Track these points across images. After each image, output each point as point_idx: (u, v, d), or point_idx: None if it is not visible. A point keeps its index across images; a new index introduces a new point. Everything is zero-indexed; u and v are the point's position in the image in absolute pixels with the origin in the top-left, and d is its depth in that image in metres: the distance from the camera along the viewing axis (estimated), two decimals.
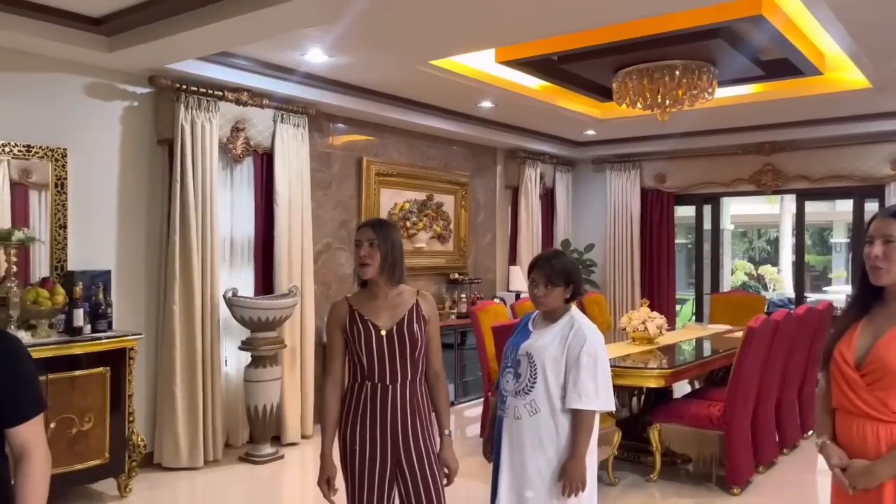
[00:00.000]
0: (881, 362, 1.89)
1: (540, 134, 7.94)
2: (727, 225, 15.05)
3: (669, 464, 4.82)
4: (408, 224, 6.91)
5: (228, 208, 5.29)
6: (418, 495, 2.46)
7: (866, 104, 6.28)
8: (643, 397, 5.22)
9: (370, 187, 6.45)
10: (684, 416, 4.58)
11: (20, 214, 4.27)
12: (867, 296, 2.00)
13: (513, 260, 8.15)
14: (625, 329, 5.35)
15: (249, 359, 5.03)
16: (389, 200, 6.72)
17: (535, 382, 2.57)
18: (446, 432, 2.55)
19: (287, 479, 4.96)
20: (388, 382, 2.44)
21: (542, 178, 8.40)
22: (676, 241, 15.54)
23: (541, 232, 8.37)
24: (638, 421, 5.10)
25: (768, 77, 5.80)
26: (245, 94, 5.11)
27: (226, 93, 4.99)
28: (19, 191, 4.28)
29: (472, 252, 7.80)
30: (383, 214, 6.64)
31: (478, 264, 7.89)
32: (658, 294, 8.42)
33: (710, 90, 5.28)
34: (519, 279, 7.80)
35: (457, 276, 7.44)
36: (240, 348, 5.06)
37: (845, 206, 8.37)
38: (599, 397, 2.54)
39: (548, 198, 8.63)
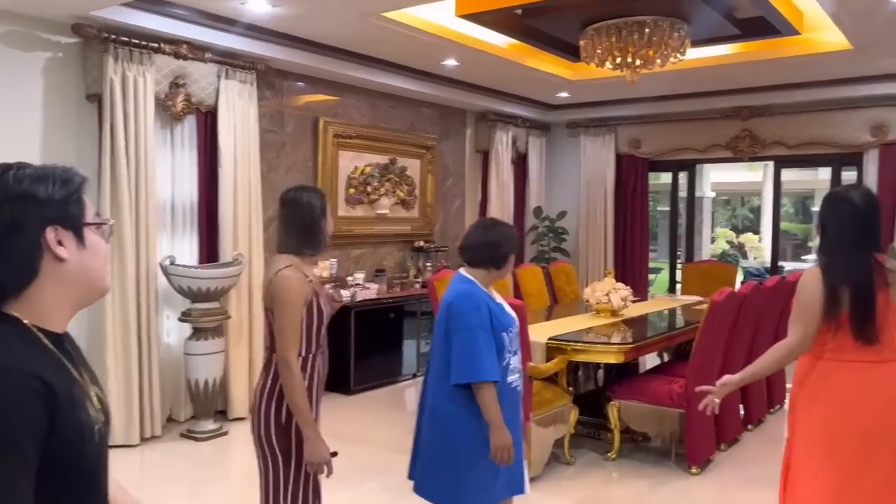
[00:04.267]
0: None
1: (511, 96, 7.60)
2: (707, 192, 14.84)
3: (630, 440, 4.64)
4: (369, 189, 6.60)
5: (169, 170, 4.96)
6: None
7: (846, 67, 5.99)
8: (606, 370, 5.02)
9: (327, 149, 6.12)
10: (644, 393, 4.38)
11: None
12: None
13: None
14: (588, 300, 5.12)
15: (190, 331, 4.76)
16: (349, 164, 6.40)
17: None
18: None
19: (229, 456, 4.72)
20: None
21: (514, 142, 8.09)
22: (658, 209, 15.23)
23: (513, 198, 8.10)
24: (599, 395, 4.90)
25: (745, 37, 5.49)
26: (184, 46, 4.74)
27: (161, 45, 4.62)
28: None
29: (440, 219, 7.51)
30: (342, 179, 6.33)
31: (446, 231, 7.61)
32: (631, 263, 8.19)
33: (681, 49, 4.97)
34: None
35: (422, 243, 7.16)
36: (179, 319, 4.77)
37: (827, 174, 8.19)
38: None
39: (520, 163, 8.33)
